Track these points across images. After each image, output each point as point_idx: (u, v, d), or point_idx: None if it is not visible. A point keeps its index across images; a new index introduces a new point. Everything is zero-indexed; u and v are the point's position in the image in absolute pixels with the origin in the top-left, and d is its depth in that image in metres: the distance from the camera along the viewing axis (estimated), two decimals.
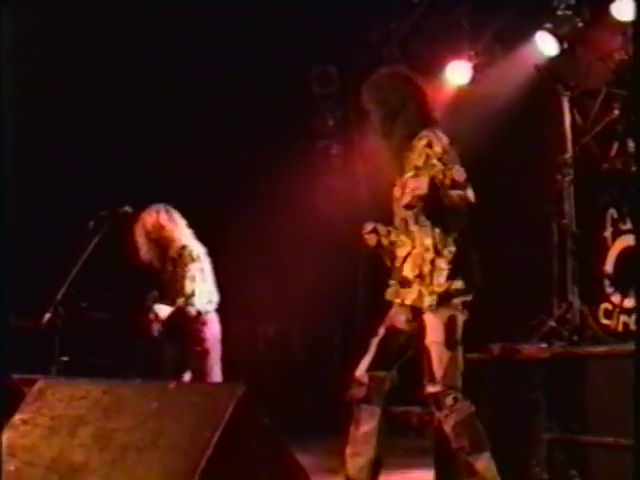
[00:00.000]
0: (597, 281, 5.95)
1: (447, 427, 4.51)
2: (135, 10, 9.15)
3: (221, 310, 6.79)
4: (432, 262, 4.58)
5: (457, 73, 8.69)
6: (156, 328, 6.65)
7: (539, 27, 7.54)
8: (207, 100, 9.83)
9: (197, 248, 6.77)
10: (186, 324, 6.62)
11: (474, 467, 4.46)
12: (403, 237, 4.73)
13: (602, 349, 5.23)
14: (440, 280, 4.55)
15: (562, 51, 7.42)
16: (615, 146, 6.28)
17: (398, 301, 4.69)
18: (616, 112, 6.36)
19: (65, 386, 3.98)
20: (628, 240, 5.77)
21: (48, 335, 5.77)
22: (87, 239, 5.85)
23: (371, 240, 4.87)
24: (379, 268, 4.98)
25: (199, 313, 6.61)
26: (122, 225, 6.36)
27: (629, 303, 5.67)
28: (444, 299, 4.54)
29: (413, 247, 4.66)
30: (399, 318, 4.70)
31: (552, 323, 6.09)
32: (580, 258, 6.22)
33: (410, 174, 4.62)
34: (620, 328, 5.74)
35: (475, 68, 8.60)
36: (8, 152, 5.75)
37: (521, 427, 5.25)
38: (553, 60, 7.45)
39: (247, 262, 10.10)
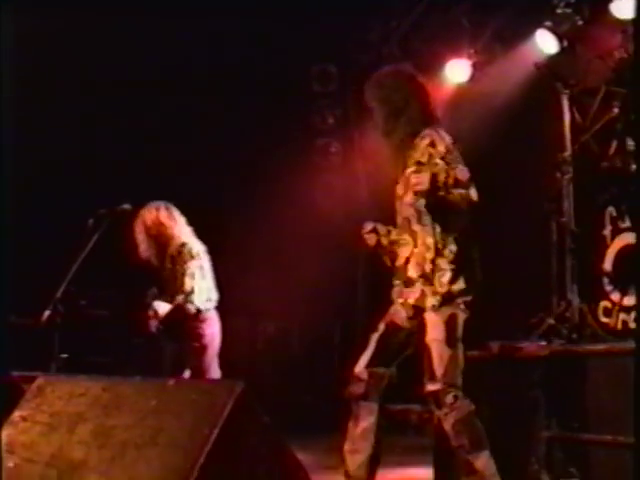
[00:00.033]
0: (596, 279, 5.94)
1: (447, 425, 4.51)
2: (135, 10, 9.16)
3: (221, 308, 6.80)
4: (433, 261, 4.58)
5: (457, 71, 8.70)
6: (154, 324, 6.66)
7: (539, 25, 7.55)
8: (207, 99, 9.83)
9: (197, 246, 6.78)
10: (185, 322, 6.62)
11: (473, 465, 4.45)
12: (406, 236, 4.72)
13: (601, 347, 5.23)
14: (443, 281, 4.55)
15: (562, 49, 7.43)
16: (614, 144, 6.28)
17: (401, 301, 4.69)
18: (615, 110, 6.36)
19: (64, 383, 3.98)
20: (627, 238, 5.77)
21: (48, 333, 5.78)
22: (86, 237, 5.85)
23: (371, 240, 4.87)
24: (379, 266, 4.98)
25: (198, 311, 6.62)
26: (121, 223, 6.36)
27: (628, 301, 5.67)
28: (447, 299, 4.54)
29: (415, 246, 4.66)
30: (399, 315, 4.70)
31: (551, 321, 6.08)
32: (579, 256, 6.22)
33: (412, 169, 4.61)
34: (619, 326, 5.74)
35: (475, 66, 8.61)
36: (8, 152, 5.75)
37: (520, 425, 5.25)
38: (553, 58, 7.45)
39: (247, 260, 10.11)
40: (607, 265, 5.88)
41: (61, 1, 9.05)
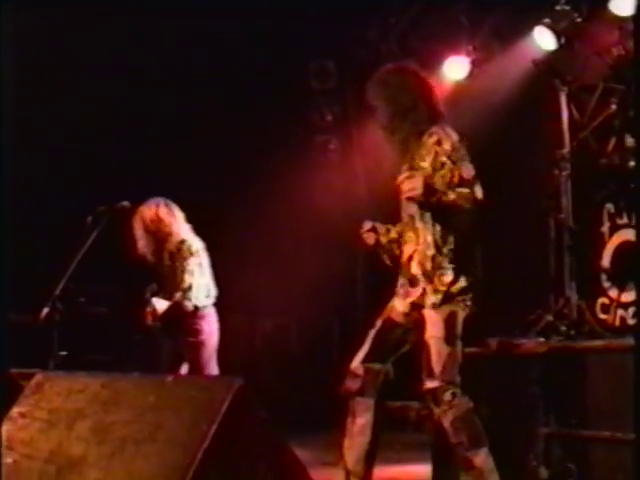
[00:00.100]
0: (594, 276, 5.94)
1: (445, 422, 4.50)
2: (135, 10, 9.15)
3: (219, 305, 6.80)
4: (433, 259, 4.58)
5: (455, 68, 8.71)
6: (150, 318, 6.67)
7: (537, 22, 7.55)
8: (206, 98, 9.83)
9: (196, 242, 6.78)
10: (183, 318, 6.63)
11: (472, 462, 4.46)
12: (410, 233, 4.70)
13: (599, 343, 5.23)
14: (444, 279, 4.54)
15: (560, 46, 7.43)
16: (612, 141, 6.29)
17: (409, 300, 4.66)
18: (613, 107, 6.36)
19: (63, 379, 3.98)
20: (625, 235, 5.77)
21: (46, 330, 5.77)
22: (85, 234, 5.85)
23: (369, 239, 4.85)
24: (378, 263, 4.98)
25: (196, 307, 6.63)
26: (120, 220, 6.36)
27: (626, 298, 5.67)
28: (447, 298, 4.54)
29: (417, 244, 4.66)
30: (397, 311, 4.70)
31: (549, 318, 6.08)
32: (577, 253, 6.21)
33: (405, 175, 4.56)
34: (617, 323, 5.74)
35: (473, 63, 8.62)
36: (8, 152, 5.76)
37: (519, 422, 5.25)
38: (551, 55, 7.46)
39: (245, 257, 10.11)
40: (605, 262, 5.88)
41: (61, 1, 9.04)
